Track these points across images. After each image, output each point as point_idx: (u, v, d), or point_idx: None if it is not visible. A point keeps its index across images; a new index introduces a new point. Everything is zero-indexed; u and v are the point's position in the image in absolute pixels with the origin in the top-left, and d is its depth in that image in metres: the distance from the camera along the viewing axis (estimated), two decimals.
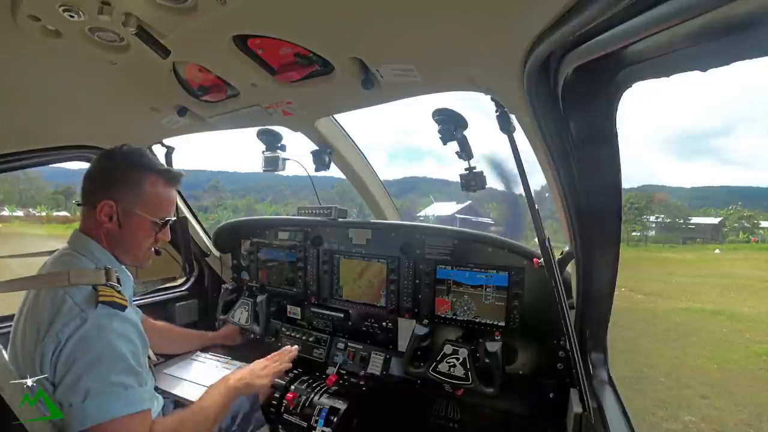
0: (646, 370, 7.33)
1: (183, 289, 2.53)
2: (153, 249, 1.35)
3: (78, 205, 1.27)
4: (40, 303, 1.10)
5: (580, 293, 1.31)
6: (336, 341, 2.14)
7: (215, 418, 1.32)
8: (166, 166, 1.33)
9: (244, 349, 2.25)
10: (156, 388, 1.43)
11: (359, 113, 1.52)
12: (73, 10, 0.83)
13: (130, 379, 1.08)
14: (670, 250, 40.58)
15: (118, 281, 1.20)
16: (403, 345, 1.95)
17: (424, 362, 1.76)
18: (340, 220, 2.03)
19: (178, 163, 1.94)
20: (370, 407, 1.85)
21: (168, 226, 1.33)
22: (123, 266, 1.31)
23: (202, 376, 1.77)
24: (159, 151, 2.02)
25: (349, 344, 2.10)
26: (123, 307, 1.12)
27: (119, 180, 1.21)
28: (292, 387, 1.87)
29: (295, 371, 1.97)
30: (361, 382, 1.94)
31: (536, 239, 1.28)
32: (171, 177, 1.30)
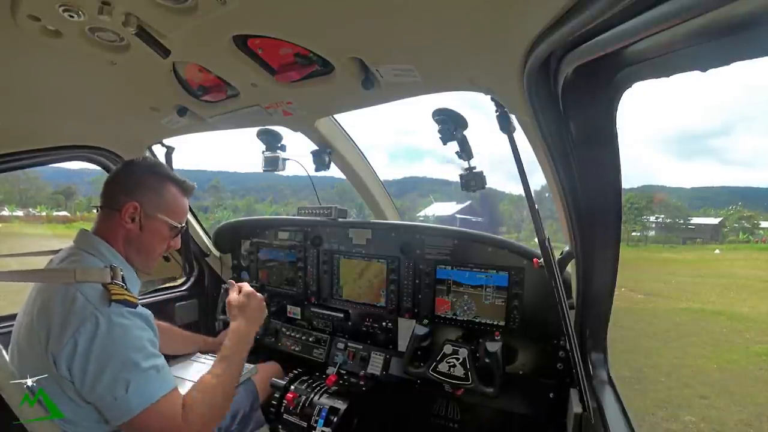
0: (646, 370, 7.33)
1: (183, 289, 2.53)
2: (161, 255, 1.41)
3: (99, 208, 1.30)
4: (49, 301, 1.10)
5: (580, 293, 1.31)
6: (336, 341, 2.14)
7: (237, 376, 1.38)
8: (180, 178, 1.42)
9: None
10: None
11: (359, 113, 1.52)
12: (73, 10, 0.83)
13: (158, 361, 1.15)
14: (670, 250, 40.59)
15: (123, 280, 1.20)
16: (403, 345, 1.95)
17: (424, 362, 1.76)
18: (340, 220, 2.03)
19: (178, 163, 1.94)
20: (370, 407, 1.85)
21: (180, 235, 1.41)
22: (132, 269, 1.32)
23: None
24: (159, 151, 2.02)
25: (349, 344, 2.10)
26: (135, 305, 1.15)
27: (143, 185, 1.30)
28: (292, 387, 1.87)
29: (295, 371, 1.97)
30: (361, 382, 1.94)
31: (535, 239, 1.28)
32: (186, 187, 1.42)
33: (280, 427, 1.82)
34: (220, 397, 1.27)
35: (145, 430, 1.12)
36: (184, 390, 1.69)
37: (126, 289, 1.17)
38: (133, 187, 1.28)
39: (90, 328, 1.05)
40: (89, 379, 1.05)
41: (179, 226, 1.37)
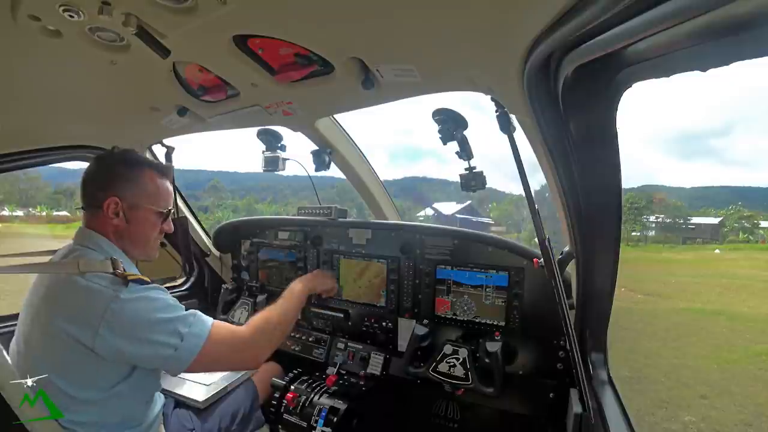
0: (646, 370, 7.32)
1: (183, 289, 2.53)
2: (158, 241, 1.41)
3: (82, 209, 1.29)
4: (62, 298, 1.11)
5: (580, 293, 1.31)
6: (336, 341, 2.14)
7: (291, 320, 1.56)
8: (155, 161, 1.46)
9: None
10: None
11: (359, 113, 1.52)
12: (73, 10, 0.83)
13: (188, 310, 1.23)
14: (670, 250, 40.60)
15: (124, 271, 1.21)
16: (403, 345, 1.95)
17: (424, 362, 1.76)
18: (340, 220, 2.03)
19: (178, 163, 1.94)
20: (370, 407, 1.84)
21: (170, 216, 1.41)
22: (131, 262, 1.32)
23: (202, 376, 1.77)
24: (159, 151, 2.02)
25: (349, 344, 2.10)
26: (148, 282, 1.18)
27: (119, 177, 1.28)
28: (292, 387, 1.87)
29: (295, 371, 1.97)
30: (361, 382, 1.94)
31: (535, 239, 1.28)
32: (163, 170, 1.40)
33: (280, 427, 1.81)
34: (274, 321, 1.42)
35: (216, 355, 1.22)
36: (182, 389, 1.70)
37: None
38: (109, 181, 1.26)
39: (117, 309, 1.08)
40: (145, 349, 1.11)
41: (165, 210, 1.36)
